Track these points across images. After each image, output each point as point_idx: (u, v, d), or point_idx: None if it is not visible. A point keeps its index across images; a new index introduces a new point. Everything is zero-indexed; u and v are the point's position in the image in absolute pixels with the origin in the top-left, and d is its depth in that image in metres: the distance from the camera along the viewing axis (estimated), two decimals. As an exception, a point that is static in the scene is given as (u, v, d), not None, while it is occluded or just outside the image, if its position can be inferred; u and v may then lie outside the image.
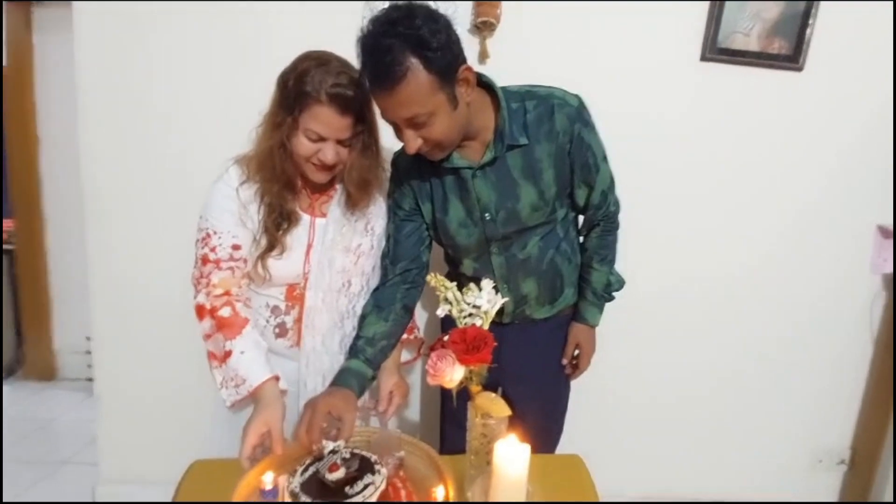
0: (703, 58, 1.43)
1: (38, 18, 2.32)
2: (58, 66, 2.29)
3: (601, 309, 1.12)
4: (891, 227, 1.50)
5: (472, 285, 0.75)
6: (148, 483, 1.52)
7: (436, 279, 0.77)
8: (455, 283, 0.77)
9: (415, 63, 0.76)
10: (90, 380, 2.09)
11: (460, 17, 1.37)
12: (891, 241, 1.52)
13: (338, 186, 1.00)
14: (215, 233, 0.94)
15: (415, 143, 0.84)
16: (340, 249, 0.99)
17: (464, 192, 0.96)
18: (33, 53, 2.33)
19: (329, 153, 0.89)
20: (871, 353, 1.63)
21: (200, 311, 0.94)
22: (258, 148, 0.93)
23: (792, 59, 1.42)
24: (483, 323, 0.74)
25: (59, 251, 2.45)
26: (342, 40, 0.88)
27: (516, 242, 1.00)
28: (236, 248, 0.95)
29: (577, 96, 0.95)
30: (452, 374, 0.70)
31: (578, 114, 0.94)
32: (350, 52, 0.86)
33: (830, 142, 1.50)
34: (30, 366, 2.53)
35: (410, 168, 0.98)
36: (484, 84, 0.91)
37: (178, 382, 1.49)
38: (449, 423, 1.18)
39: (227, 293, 0.94)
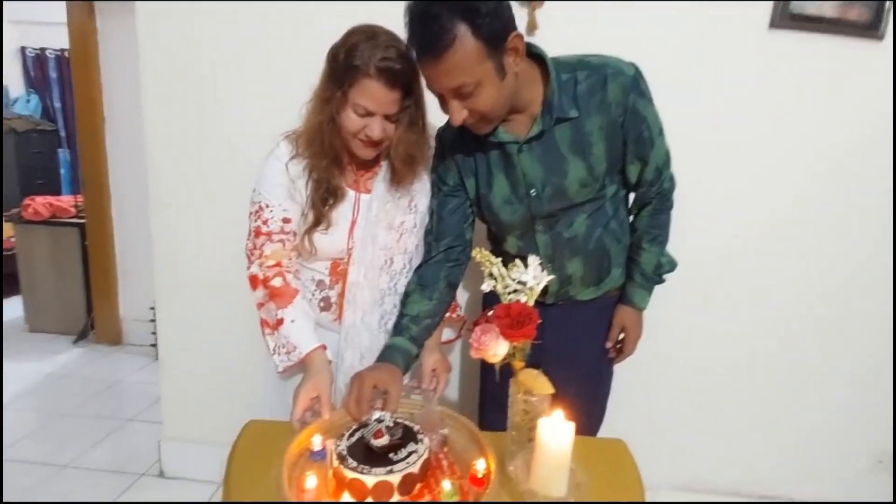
0: (773, 25, 1.32)
1: (99, 6, 2.44)
2: (121, 50, 2.42)
3: (650, 291, 1.08)
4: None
5: (517, 261, 0.74)
6: (208, 442, 1.63)
7: (481, 254, 0.76)
8: (500, 259, 0.76)
9: (463, 30, 0.74)
10: (153, 345, 2.26)
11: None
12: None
13: (383, 163, 1.00)
14: (267, 206, 0.97)
15: (460, 114, 0.83)
16: (384, 226, 1.00)
17: (509, 168, 0.94)
18: (97, 38, 2.47)
19: (376, 128, 0.90)
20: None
21: (254, 280, 0.99)
22: (308, 123, 0.95)
23: (871, 26, 1.29)
24: (528, 299, 0.73)
25: (124, 225, 2.63)
26: (391, 14, 0.87)
27: (562, 220, 0.98)
28: (286, 221, 0.98)
29: (633, 65, 0.91)
30: (497, 348, 0.70)
31: (634, 83, 0.89)
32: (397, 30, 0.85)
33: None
34: (99, 331, 2.75)
35: (455, 142, 0.98)
36: (534, 55, 0.88)
37: (234, 348, 1.57)
38: (489, 406, 1.18)
39: (278, 264, 0.98)
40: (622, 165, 0.97)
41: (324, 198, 0.96)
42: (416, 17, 0.77)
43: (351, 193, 0.99)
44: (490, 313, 0.73)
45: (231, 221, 1.31)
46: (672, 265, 1.09)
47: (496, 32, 0.77)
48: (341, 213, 0.98)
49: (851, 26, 1.30)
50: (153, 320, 1.89)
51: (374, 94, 0.87)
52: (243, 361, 1.45)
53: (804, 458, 1.60)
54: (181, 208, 1.56)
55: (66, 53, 3.90)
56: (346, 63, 0.86)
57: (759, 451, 1.61)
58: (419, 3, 0.77)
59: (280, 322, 0.96)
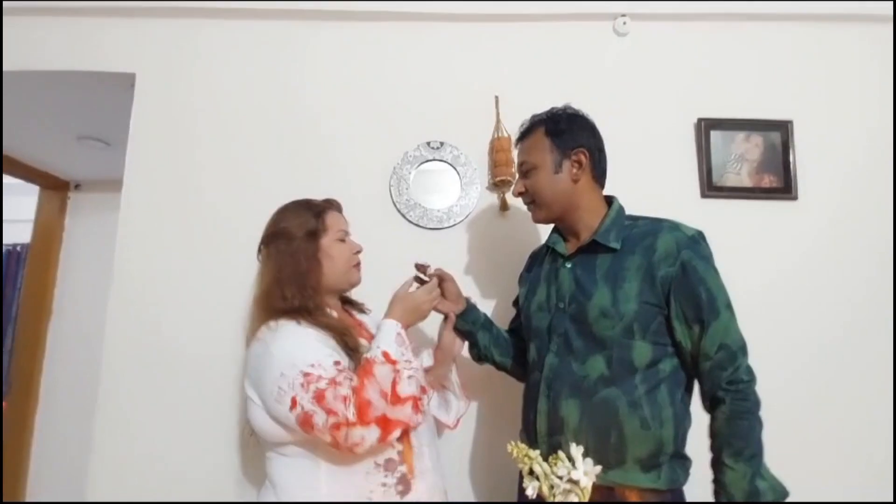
0: (703, 195, 1.55)
1: (73, 202, 2.51)
2: (84, 250, 2.41)
3: None
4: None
5: (560, 454, 0.68)
6: None
7: (517, 449, 0.69)
8: (538, 452, 0.69)
9: (539, 127, 1.04)
10: None
11: (480, 177, 1.51)
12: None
13: (360, 318, 1.11)
14: (312, 365, 0.87)
15: (518, 186, 1.07)
16: None
17: (552, 279, 1.04)
18: (62, 234, 2.47)
19: (356, 243, 1.08)
20: None
21: (363, 412, 0.84)
22: (294, 286, 0.97)
23: (784, 190, 1.55)
24: (581, 499, 0.64)
25: (46, 447, 2.25)
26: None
27: (578, 350, 0.95)
28: (337, 363, 0.89)
29: (698, 230, 0.97)
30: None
31: (691, 241, 0.94)
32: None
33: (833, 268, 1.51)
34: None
35: (533, 260, 1.17)
36: (609, 203, 1.05)
37: None
38: None
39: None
40: (668, 327, 0.93)
41: (349, 335, 0.96)
42: (525, 123, 1.09)
43: (363, 341, 1.00)
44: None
45: (190, 452, 1.25)
46: (778, 493, 0.84)
47: (564, 139, 1.02)
48: None
49: (767, 191, 1.55)
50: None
51: (339, 218, 1.08)
52: None
53: None
54: (131, 425, 1.37)
55: (17, 248, 3.81)
56: (310, 215, 1.02)
57: None
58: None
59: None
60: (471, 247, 1.48)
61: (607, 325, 0.93)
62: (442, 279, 1.10)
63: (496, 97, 1.54)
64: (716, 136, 1.56)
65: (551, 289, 1.03)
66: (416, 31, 1.60)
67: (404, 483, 0.90)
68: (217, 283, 1.43)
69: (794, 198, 1.54)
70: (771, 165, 1.56)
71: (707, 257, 0.95)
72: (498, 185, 1.47)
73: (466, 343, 1.17)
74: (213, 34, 1.59)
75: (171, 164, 1.51)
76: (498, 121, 1.53)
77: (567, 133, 1.02)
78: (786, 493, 0.86)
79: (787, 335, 1.47)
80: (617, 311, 0.92)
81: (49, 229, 2.46)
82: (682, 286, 0.92)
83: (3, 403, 2.34)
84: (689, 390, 0.97)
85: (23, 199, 2.52)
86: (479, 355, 1.17)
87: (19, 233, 3.02)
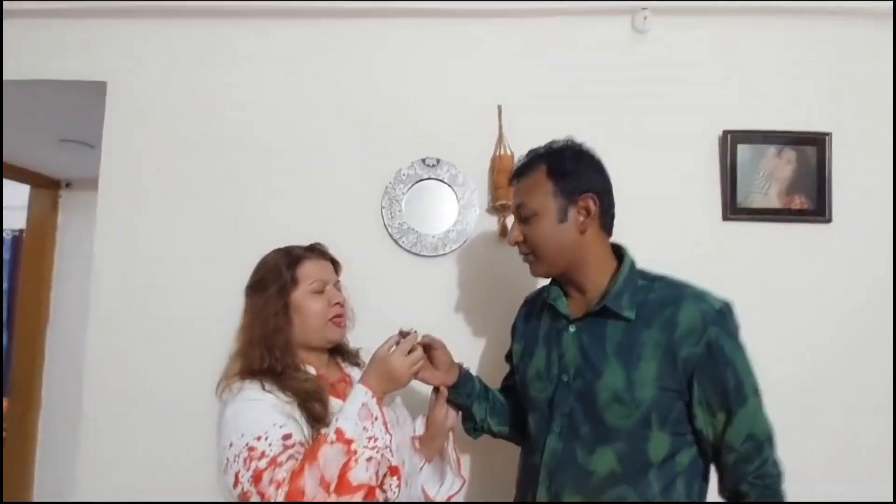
0: (726, 217, 1.41)
1: (64, 201, 2.44)
2: (77, 245, 2.35)
3: None
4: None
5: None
6: None
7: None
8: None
9: (541, 166, 0.90)
10: None
11: (479, 199, 1.38)
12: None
13: (349, 371, 1.01)
14: (258, 438, 0.81)
15: (514, 234, 0.93)
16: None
17: (553, 343, 0.92)
18: (55, 234, 2.41)
19: (337, 293, 0.98)
20: None
21: (294, 498, 0.76)
22: (254, 354, 0.90)
23: (816, 212, 1.40)
24: None
25: (49, 448, 2.27)
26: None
27: (584, 438, 0.84)
28: (287, 437, 0.82)
29: (726, 302, 0.84)
30: None
31: (719, 316, 0.81)
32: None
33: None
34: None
35: (529, 311, 1.03)
36: (618, 254, 0.93)
37: None
38: None
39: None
40: (689, 415, 0.82)
41: (315, 404, 0.88)
42: (522, 159, 0.95)
43: (336, 402, 0.91)
44: None
45: (172, 465, 1.20)
46: None
47: (569, 182, 0.88)
48: None
49: (798, 213, 1.39)
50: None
51: (318, 266, 0.97)
52: None
53: None
54: (115, 445, 1.34)
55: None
56: (283, 266, 0.94)
57: None
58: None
59: (341, 433, 0.81)
60: (467, 277, 1.37)
61: (621, 412, 0.82)
62: (431, 347, 0.96)
63: (499, 106, 1.40)
64: (743, 150, 1.41)
65: (552, 355, 0.91)
66: (408, 30, 1.44)
67: None
68: (194, 296, 1.37)
69: (828, 221, 1.39)
70: (803, 185, 1.40)
71: (735, 334, 0.84)
72: (499, 209, 1.35)
73: (460, 413, 1.05)
74: (185, 38, 1.45)
75: (146, 176, 1.42)
76: (500, 135, 1.39)
77: (573, 174, 0.89)
78: None
79: (820, 371, 1.35)
80: (632, 398, 0.81)
81: (42, 227, 2.41)
82: (707, 370, 0.80)
83: (4, 402, 2.35)
84: (706, 479, 0.86)
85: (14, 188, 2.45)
86: (474, 428, 1.05)
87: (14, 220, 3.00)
